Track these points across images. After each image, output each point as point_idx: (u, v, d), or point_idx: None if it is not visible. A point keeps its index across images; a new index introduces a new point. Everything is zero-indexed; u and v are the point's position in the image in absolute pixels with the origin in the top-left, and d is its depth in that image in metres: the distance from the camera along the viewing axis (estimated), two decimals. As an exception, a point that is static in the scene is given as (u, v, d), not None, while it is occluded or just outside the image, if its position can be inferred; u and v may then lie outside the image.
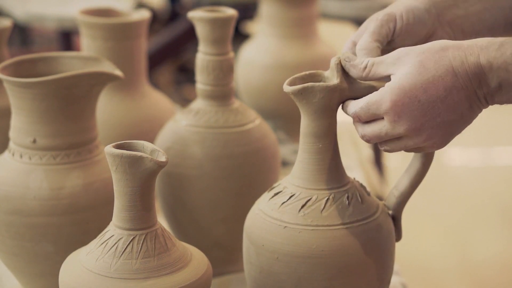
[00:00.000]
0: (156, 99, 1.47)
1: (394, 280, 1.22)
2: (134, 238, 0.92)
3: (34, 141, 1.11)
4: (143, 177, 0.91)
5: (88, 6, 1.47)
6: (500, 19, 1.03)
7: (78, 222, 1.11)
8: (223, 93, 1.24)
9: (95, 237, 0.98)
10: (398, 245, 1.07)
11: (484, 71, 0.88)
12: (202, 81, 1.24)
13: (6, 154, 1.15)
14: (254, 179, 1.22)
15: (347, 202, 1.00)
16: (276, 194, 1.02)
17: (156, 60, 2.94)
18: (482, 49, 0.88)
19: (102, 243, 0.93)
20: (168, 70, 3.54)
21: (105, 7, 1.48)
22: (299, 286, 0.99)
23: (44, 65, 1.18)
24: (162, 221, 1.24)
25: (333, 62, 0.98)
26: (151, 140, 1.22)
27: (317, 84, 0.96)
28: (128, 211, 0.92)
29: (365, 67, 0.95)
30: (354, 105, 0.95)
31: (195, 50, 1.27)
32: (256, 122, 1.25)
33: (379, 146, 0.96)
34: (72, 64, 1.18)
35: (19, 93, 1.10)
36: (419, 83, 0.89)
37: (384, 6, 1.03)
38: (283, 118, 1.79)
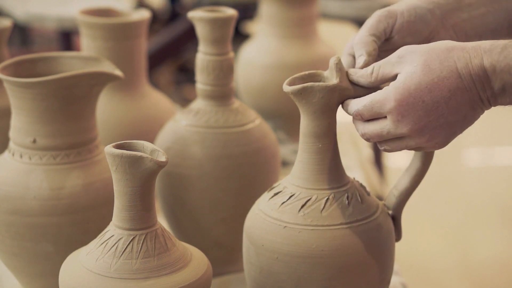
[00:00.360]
0: (156, 99, 1.47)
1: (394, 280, 1.22)
2: (134, 238, 0.92)
3: (34, 141, 1.11)
4: (143, 177, 0.91)
5: (88, 6, 1.47)
6: (503, 22, 1.03)
7: (78, 222, 1.11)
8: (223, 93, 1.24)
9: (95, 237, 0.98)
10: (398, 245, 1.07)
11: (487, 73, 0.88)
12: (202, 81, 1.24)
13: (6, 154, 1.15)
14: (254, 179, 1.22)
15: (347, 202, 1.00)
16: (276, 194, 1.02)
17: (156, 60, 2.94)
18: (486, 52, 0.88)
19: (102, 243, 0.93)
20: (168, 70, 3.53)
21: (105, 7, 1.48)
22: (299, 286, 0.99)
23: (44, 65, 1.18)
24: (162, 221, 1.24)
25: (332, 62, 0.98)
26: (151, 140, 1.22)
27: (316, 84, 0.96)
28: (128, 211, 0.92)
29: (372, 72, 0.95)
30: (357, 103, 0.95)
31: (195, 50, 1.27)
32: (256, 122, 1.25)
33: (379, 145, 0.96)
34: (72, 64, 1.18)
35: (19, 93, 1.10)
36: (424, 83, 0.89)
37: (384, 6, 1.03)
38: (283, 118, 1.79)
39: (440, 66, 0.89)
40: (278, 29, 1.80)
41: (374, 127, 0.93)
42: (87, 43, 1.41)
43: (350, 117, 0.99)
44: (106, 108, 1.40)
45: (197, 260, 0.96)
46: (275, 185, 1.04)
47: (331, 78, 0.98)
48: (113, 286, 0.90)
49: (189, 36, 3.01)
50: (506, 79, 0.88)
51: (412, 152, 1.02)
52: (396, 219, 1.06)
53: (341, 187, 1.01)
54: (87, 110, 1.13)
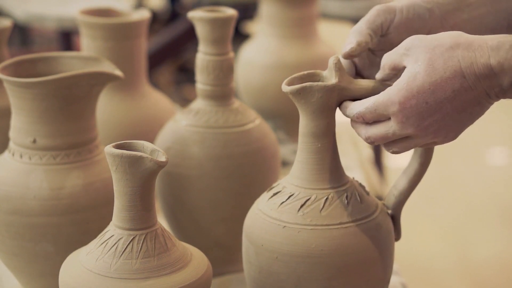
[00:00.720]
0: (156, 99, 1.47)
1: (394, 280, 1.22)
2: (134, 238, 0.93)
3: (34, 141, 1.11)
4: (143, 177, 0.91)
5: (88, 6, 1.47)
6: (503, 22, 1.03)
7: (78, 222, 1.11)
8: (223, 93, 1.24)
9: (95, 237, 0.98)
10: (397, 245, 1.07)
11: (494, 71, 0.88)
12: (202, 81, 1.24)
13: (6, 154, 1.15)
14: (254, 179, 1.22)
15: (346, 201, 1.00)
16: (275, 194, 1.02)
17: (156, 60, 2.94)
18: (493, 50, 0.88)
19: (102, 243, 0.93)
20: (168, 70, 3.54)
21: (105, 7, 1.48)
22: (298, 286, 0.99)
23: (44, 65, 1.18)
24: (162, 221, 1.24)
25: (331, 61, 0.98)
26: (151, 140, 1.22)
27: (315, 83, 0.96)
28: (128, 211, 0.93)
29: (384, 65, 0.94)
30: (359, 105, 0.94)
31: (195, 50, 1.27)
32: (256, 122, 1.25)
33: (386, 148, 0.95)
34: (72, 64, 1.19)
35: (19, 93, 1.10)
36: (427, 84, 0.89)
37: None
38: (283, 118, 1.79)
39: (443, 65, 0.89)
40: (278, 29, 1.80)
41: (378, 130, 0.93)
42: (87, 43, 1.41)
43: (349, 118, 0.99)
44: (106, 108, 1.40)
45: (197, 260, 0.96)
46: (274, 185, 1.04)
47: (330, 78, 0.98)
48: (113, 286, 0.91)
49: (189, 36, 3.02)
50: None
51: (411, 152, 1.02)
52: (395, 218, 1.06)
53: (341, 187, 1.01)
54: (87, 110, 1.13)
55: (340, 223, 0.99)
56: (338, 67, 0.97)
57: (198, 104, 1.25)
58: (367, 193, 1.03)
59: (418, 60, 0.90)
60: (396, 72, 0.94)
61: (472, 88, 0.89)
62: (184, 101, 3.01)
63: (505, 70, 0.87)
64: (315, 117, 0.98)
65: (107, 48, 1.39)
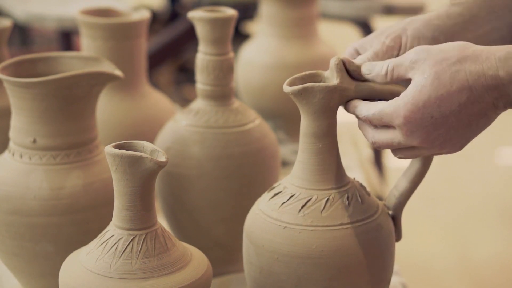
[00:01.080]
0: (156, 99, 1.47)
1: (394, 280, 1.22)
2: (134, 238, 0.92)
3: (34, 141, 1.11)
4: (143, 177, 0.91)
5: (88, 6, 1.47)
6: (508, 37, 1.03)
7: (78, 222, 1.11)
8: (223, 93, 1.24)
9: (95, 237, 0.98)
10: (398, 245, 1.07)
11: (503, 82, 0.87)
12: (202, 81, 1.24)
13: (6, 154, 1.15)
14: (254, 179, 1.22)
15: (347, 202, 1.00)
16: (276, 194, 1.02)
17: (156, 60, 2.94)
18: (501, 61, 0.87)
19: (102, 243, 0.93)
20: (168, 70, 3.54)
21: (105, 7, 1.48)
22: (299, 286, 0.99)
23: (44, 65, 1.18)
24: (162, 221, 1.24)
25: (332, 62, 0.98)
26: (151, 140, 1.22)
27: (317, 84, 0.96)
28: (128, 211, 0.92)
29: (387, 73, 0.94)
30: (366, 110, 0.94)
31: (195, 50, 1.27)
32: (256, 122, 1.25)
33: (393, 153, 0.95)
34: (72, 64, 1.18)
35: (19, 93, 1.10)
36: (433, 98, 0.88)
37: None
38: (283, 118, 1.79)
39: (450, 80, 0.88)
40: (278, 29, 1.80)
41: (385, 137, 0.93)
42: (87, 43, 1.41)
43: (350, 117, 0.99)
44: (106, 108, 1.40)
45: (197, 260, 0.96)
46: (275, 185, 1.04)
47: (332, 78, 0.98)
48: (113, 286, 0.90)
49: (189, 36, 3.02)
50: None
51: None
52: (396, 219, 1.06)
53: (342, 188, 1.01)
54: (87, 110, 1.13)
55: (341, 224, 0.99)
56: (340, 68, 0.97)
57: (198, 104, 1.25)
58: (368, 194, 1.03)
59: (424, 73, 0.89)
60: (400, 81, 0.94)
61: (478, 101, 0.88)
62: (184, 101, 3.01)
63: None
64: (316, 117, 0.98)
65: (107, 48, 1.39)
